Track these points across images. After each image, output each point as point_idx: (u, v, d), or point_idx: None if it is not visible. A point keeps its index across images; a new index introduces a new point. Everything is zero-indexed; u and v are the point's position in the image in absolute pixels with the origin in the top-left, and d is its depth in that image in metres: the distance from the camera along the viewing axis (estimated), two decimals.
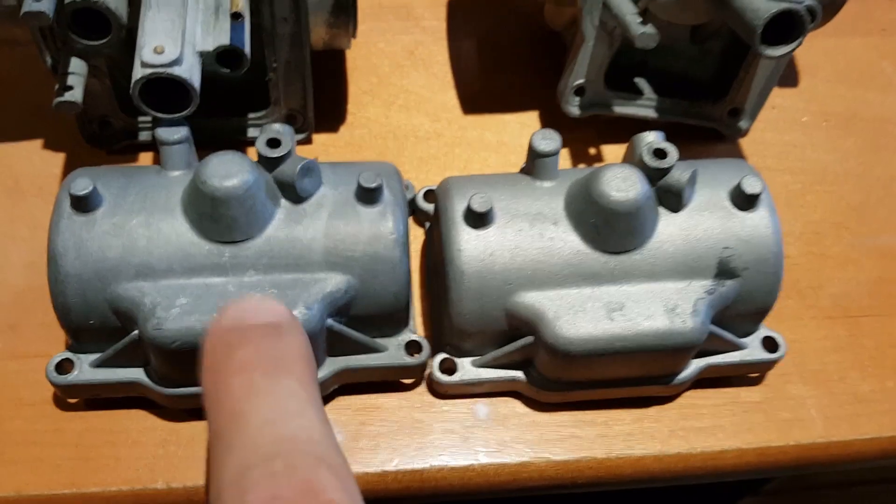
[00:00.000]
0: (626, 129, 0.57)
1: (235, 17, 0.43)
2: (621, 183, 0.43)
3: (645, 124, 0.57)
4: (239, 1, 0.43)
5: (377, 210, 0.44)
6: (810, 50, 0.67)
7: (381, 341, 0.47)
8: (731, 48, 0.57)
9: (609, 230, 0.43)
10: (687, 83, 0.58)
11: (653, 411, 0.48)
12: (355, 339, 0.45)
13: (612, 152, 0.59)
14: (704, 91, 0.58)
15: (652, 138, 0.45)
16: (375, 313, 0.45)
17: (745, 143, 0.61)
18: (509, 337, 0.46)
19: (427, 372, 0.48)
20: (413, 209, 0.55)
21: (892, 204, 0.59)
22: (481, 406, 0.48)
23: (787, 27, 0.46)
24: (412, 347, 0.47)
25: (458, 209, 0.45)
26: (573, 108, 0.56)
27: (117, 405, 0.47)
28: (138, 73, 0.43)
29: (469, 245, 0.44)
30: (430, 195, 0.54)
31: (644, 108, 0.57)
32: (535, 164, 0.46)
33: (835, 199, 0.59)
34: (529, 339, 0.45)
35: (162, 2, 0.46)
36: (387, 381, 0.48)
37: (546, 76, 0.60)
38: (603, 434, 0.47)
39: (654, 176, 0.44)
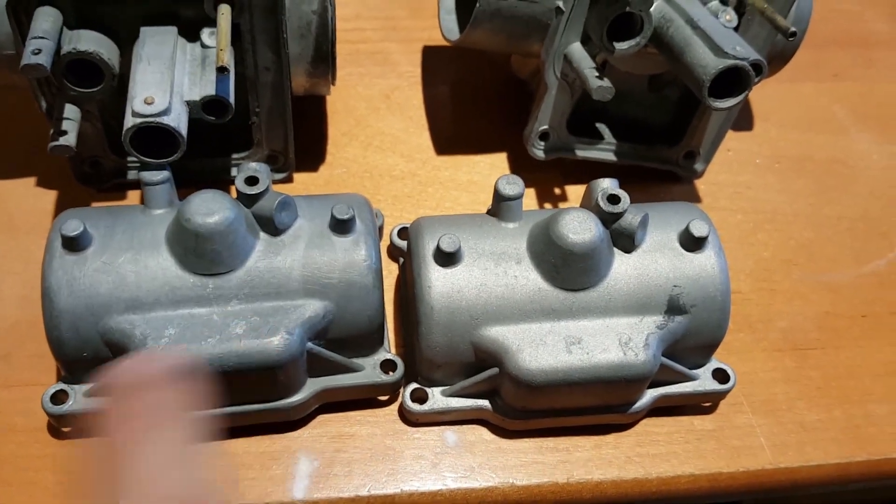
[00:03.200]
0: (588, 171, 0.60)
1: (221, 70, 0.46)
2: (578, 226, 0.46)
3: (606, 167, 0.61)
4: (224, 55, 0.46)
5: (350, 239, 0.47)
6: (765, 95, 0.71)
7: (357, 361, 0.50)
8: (686, 96, 0.60)
9: (567, 269, 0.47)
10: (645, 128, 0.62)
11: (611, 438, 0.51)
12: (334, 361, 0.48)
13: (576, 192, 0.63)
14: (662, 135, 0.62)
15: (606, 185, 0.48)
16: (352, 335, 0.48)
17: (700, 184, 0.65)
18: (476, 368, 0.49)
19: (399, 401, 0.51)
20: (388, 245, 0.58)
21: (839, 241, 0.63)
22: (450, 434, 0.51)
23: (734, 81, 0.50)
24: (387, 366, 0.50)
25: (428, 248, 0.48)
26: (538, 151, 0.59)
27: None
28: (129, 122, 0.46)
29: (438, 282, 0.47)
30: (403, 232, 0.57)
31: (604, 151, 0.61)
32: (500, 206, 0.49)
33: (785, 237, 0.62)
34: (495, 370, 0.48)
35: (152, 55, 0.49)
36: (364, 399, 0.51)
37: (514, 120, 0.64)
38: (564, 460, 0.50)
39: (609, 219, 0.47)
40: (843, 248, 0.62)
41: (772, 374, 0.55)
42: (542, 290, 0.47)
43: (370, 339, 0.49)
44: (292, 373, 0.47)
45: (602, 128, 0.62)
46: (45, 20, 0.47)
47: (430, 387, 0.50)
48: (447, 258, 0.47)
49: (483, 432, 0.51)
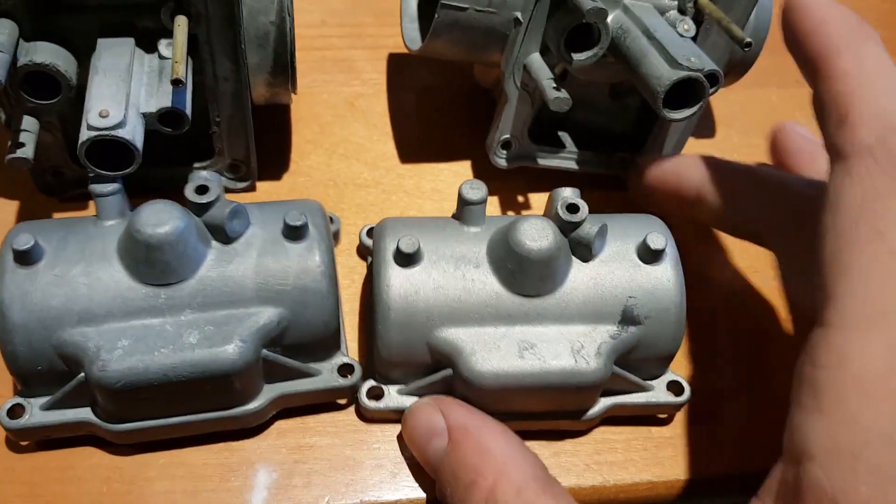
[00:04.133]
0: (552, 179, 0.61)
1: (176, 83, 0.46)
2: (536, 233, 0.47)
3: (569, 174, 0.61)
4: (179, 68, 0.46)
5: (304, 245, 0.47)
6: (727, 101, 0.71)
7: (314, 366, 0.50)
8: (647, 104, 0.60)
9: (524, 275, 0.47)
10: (607, 136, 0.63)
11: (569, 445, 0.52)
12: (290, 366, 0.49)
13: (540, 200, 0.63)
14: (623, 143, 0.62)
15: (567, 194, 0.49)
16: (308, 341, 0.48)
17: None
18: (432, 368, 0.49)
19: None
20: (357, 245, 0.59)
21: None
22: None
23: (690, 91, 0.51)
24: (344, 370, 0.51)
25: (389, 249, 0.48)
26: (501, 160, 0.60)
27: (65, 444, 0.49)
28: (84, 135, 0.46)
29: (396, 282, 0.47)
30: (372, 233, 0.58)
31: (566, 160, 0.61)
32: (463, 210, 0.50)
33: (745, 244, 0.62)
34: (448, 371, 0.48)
35: (108, 68, 0.49)
36: (323, 404, 0.52)
37: (478, 129, 0.64)
38: None
39: (567, 228, 0.48)
40: None
41: (728, 382, 0.56)
42: (498, 294, 0.48)
43: (326, 344, 0.50)
44: (248, 380, 0.47)
45: (564, 136, 0.62)
46: (1, 32, 0.47)
47: (387, 384, 0.51)
48: (406, 259, 0.48)
49: None
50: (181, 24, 0.48)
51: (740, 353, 0.57)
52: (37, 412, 0.47)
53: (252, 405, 0.48)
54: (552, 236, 0.47)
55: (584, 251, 0.48)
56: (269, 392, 0.49)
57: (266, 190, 0.62)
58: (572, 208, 0.48)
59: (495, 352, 0.47)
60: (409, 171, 0.65)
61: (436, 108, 0.69)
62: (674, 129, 0.60)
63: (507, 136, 0.58)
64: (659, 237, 0.48)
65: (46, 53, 0.48)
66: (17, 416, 0.47)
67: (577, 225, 0.48)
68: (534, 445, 0.51)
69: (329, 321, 0.48)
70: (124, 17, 0.51)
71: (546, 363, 0.47)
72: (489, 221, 0.50)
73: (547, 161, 0.61)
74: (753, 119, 0.71)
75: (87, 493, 0.48)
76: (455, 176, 0.64)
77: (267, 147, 0.62)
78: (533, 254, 0.46)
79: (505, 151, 0.60)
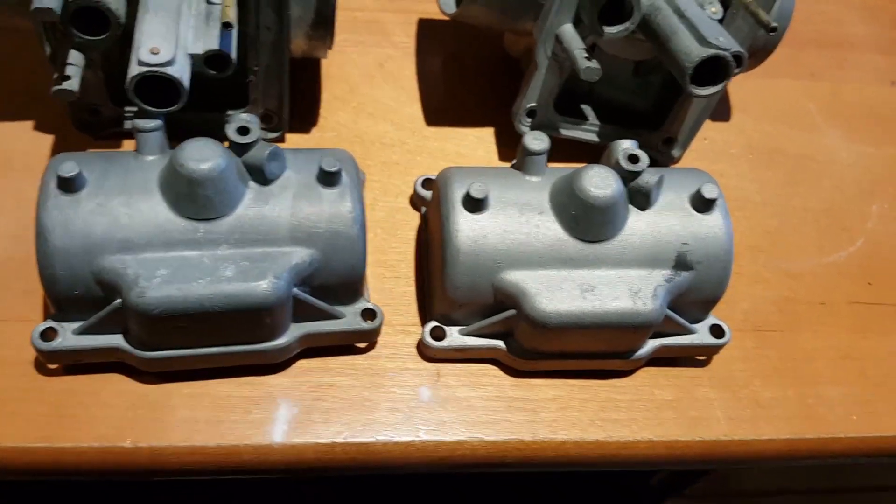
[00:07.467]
0: (570, 150, 0.63)
1: (226, 26, 0.47)
2: (600, 181, 0.49)
3: (587, 146, 0.63)
4: (230, 12, 0.47)
5: (337, 191, 0.49)
6: (743, 88, 0.73)
7: (339, 309, 0.52)
8: (669, 83, 0.63)
9: (586, 221, 0.50)
10: (628, 112, 0.65)
11: (576, 402, 0.54)
12: (318, 307, 0.51)
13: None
14: (643, 120, 0.64)
15: (627, 145, 0.51)
16: (335, 283, 0.51)
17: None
18: (494, 310, 0.52)
19: (418, 339, 0.55)
20: (411, 195, 0.62)
21: (803, 231, 0.66)
22: (425, 389, 0.53)
23: (715, 70, 0.53)
24: (367, 314, 0.53)
25: (457, 195, 0.51)
26: (524, 127, 0.62)
27: (92, 370, 0.51)
28: (134, 70, 0.48)
29: (465, 227, 0.50)
30: (427, 183, 0.60)
31: (588, 132, 0.63)
32: (526, 160, 0.52)
33: (753, 224, 0.65)
34: (512, 311, 0.51)
35: (158, 6, 0.50)
36: (342, 348, 0.54)
37: (503, 96, 0.65)
38: (531, 420, 0.53)
39: (627, 177, 0.50)
40: (807, 238, 0.65)
41: (731, 351, 0.58)
42: (561, 239, 0.51)
43: (352, 288, 0.52)
44: (278, 316, 0.49)
45: (587, 109, 0.64)
46: None
47: (447, 325, 0.53)
48: (475, 204, 0.50)
49: (456, 389, 0.54)
50: None
51: (739, 322, 0.60)
52: (69, 336, 0.49)
53: (279, 341, 0.50)
54: (615, 184, 0.49)
55: (643, 200, 0.51)
56: (296, 330, 0.51)
57: (295, 142, 0.63)
58: (633, 158, 0.51)
59: (558, 293, 0.50)
60: (434, 133, 0.67)
61: (463, 74, 0.71)
62: (692, 110, 0.62)
63: (533, 104, 0.60)
64: (713, 187, 0.51)
65: None
66: (49, 339, 0.49)
67: (637, 174, 0.50)
68: (542, 402, 0.54)
69: (357, 265, 0.50)
70: None
71: (606, 304, 0.50)
72: (548, 172, 0.53)
73: (569, 132, 0.63)
74: (766, 106, 0.73)
75: (112, 417, 0.50)
76: (478, 141, 0.66)
77: (297, 101, 0.63)
78: (598, 200, 0.49)
79: (529, 119, 0.61)
